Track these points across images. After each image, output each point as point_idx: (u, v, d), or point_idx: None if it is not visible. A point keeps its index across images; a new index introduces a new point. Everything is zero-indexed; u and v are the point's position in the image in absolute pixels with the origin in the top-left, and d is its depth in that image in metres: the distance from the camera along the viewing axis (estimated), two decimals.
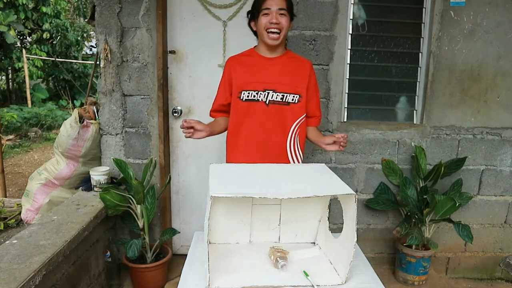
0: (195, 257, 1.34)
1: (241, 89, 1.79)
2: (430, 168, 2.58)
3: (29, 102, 9.43)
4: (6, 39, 8.58)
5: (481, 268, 2.85)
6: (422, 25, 2.61)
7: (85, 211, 2.07)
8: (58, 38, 10.46)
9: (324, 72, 2.53)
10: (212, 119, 1.93)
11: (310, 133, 1.92)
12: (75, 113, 2.44)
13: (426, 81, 2.60)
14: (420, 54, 2.64)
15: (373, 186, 2.69)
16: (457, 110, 2.63)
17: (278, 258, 1.25)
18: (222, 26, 2.55)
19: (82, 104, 6.94)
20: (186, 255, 1.38)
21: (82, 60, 11.59)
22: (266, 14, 1.72)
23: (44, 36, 9.63)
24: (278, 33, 1.73)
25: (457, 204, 2.27)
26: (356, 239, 1.14)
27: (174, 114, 2.63)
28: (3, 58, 9.49)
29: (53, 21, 9.96)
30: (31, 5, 9.22)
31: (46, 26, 9.68)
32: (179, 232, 2.54)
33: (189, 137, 1.67)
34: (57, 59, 10.28)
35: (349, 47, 2.59)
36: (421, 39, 2.62)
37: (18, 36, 9.74)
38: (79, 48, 11.41)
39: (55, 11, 10.02)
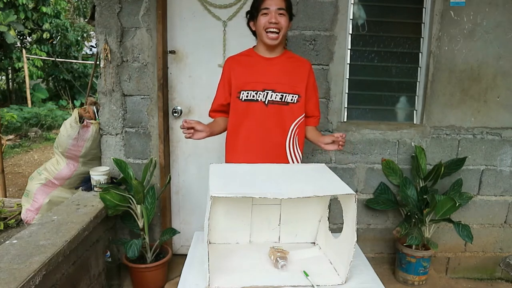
0: (195, 257, 1.34)
1: (240, 89, 1.79)
2: (430, 168, 2.58)
3: (29, 102, 9.43)
4: (6, 39, 8.58)
5: (481, 268, 2.85)
6: (422, 25, 2.61)
7: (85, 211, 2.07)
8: (58, 38, 10.46)
9: (324, 72, 2.53)
10: (211, 120, 1.93)
11: (309, 132, 1.93)
12: (75, 113, 2.44)
13: (426, 81, 2.60)
14: (420, 54, 2.64)
15: (373, 186, 2.69)
16: (457, 110, 2.63)
17: (278, 258, 1.25)
18: (222, 26, 2.55)
19: (82, 104, 6.94)
20: (186, 255, 1.38)
21: (82, 60, 11.59)
22: (265, 14, 1.72)
23: (44, 36, 9.63)
24: (277, 33, 1.73)
25: (457, 204, 2.27)
26: (356, 239, 1.14)
27: (174, 114, 2.63)
28: (3, 58, 9.49)
29: (53, 21, 9.96)
30: (31, 5, 9.22)
31: (46, 26, 9.68)
32: (179, 232, 2.54)
33: (189, 137, 1.67)
34: (57, 59, 10.28)
35: (349, 47, 2.59)
36: (421, 39, 2.62)
37: (18, 36, 9.74)
38: (79, 48, 11.41)
39: (55, 11, 10.02)
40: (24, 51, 9.49)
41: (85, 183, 2.47)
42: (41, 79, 11.00)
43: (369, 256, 2.49)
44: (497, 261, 2.83)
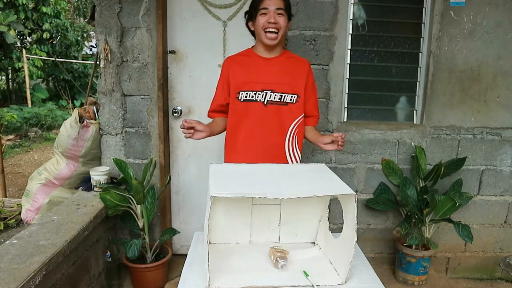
0: (195, 257, 1.34)
1: (239, 89, 1.78)
2: (430, 168, 2.58)
3: (29, 102, 9.43)
4: (6, 39, 8.58)
5: (481, 268, 2.85)
6: (422, 25, 2.61)
7: (85, 211, 2.07)
8: (58, 38, 10.46)
9: (324, 72, 2.53)
10: (211, 120, 1.92)
11: (308, 132, 1.92)
12: (75, 113, 2.44)
13: (426, 81, 2.60)
14: (420, 54, 2.64)
15: (373, 186, 2.69)
16: (457, 110, 2.63)
17: (278, 258, 1.25)
18: (222, 26, 2.55)
19: (82, 104, 6.94)
20: (186, 255, 1.38)
21: (82, 60, 11.59)
22: (264, 13, 1.71)
23: (44, 36, 9.63)
24: (276, 33, 1.72)
25: (457, 204, 2.27)
26: (356, 239, 1.14)
27: (174, 114, 2.63)
28: (3, 58, 9.49)
29: (53, 21, 9.96)
30: (31, 5, 9.22)
31: (46, 26, 9.68)
32: (179, 232, 2.54)
33: (189, 137, 1.67)
34: (57, 59, 10.28)
35: (349, 47, 2.59)
36: (421, 39, 2.62)
37: (18, 36, 9.74)
38: (79, 48, 11.41)
39: (55, 11, 10.02)
40: (24, 51, 9.49)
41: (85, 183, 2.47)
42: (41, 79, 11.00)
43: (369, 256, 2.49)
44: (497, 261, 2.83)
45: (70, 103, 10.14)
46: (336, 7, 2.47)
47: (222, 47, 2.56)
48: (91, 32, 11.45)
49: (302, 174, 1.37)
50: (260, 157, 1.75)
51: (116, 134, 2.55)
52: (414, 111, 2.72)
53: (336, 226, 2.65)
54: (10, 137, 7.05)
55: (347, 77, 2.62)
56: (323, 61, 2.52)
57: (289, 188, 1.17)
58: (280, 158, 1.83)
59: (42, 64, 10.16)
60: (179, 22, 2.54)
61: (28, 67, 9.48)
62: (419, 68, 2.65)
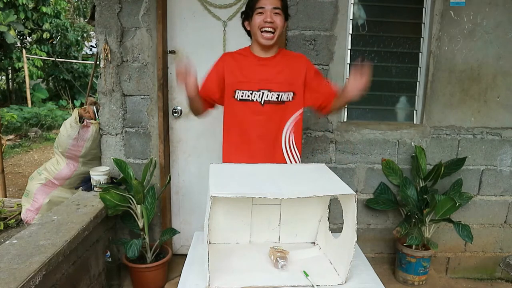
0: (195, 257, 1.33)
1: (235, 88, 1.77)
2: (430, 168, 2.58)
3: (29, 102, 9.43)
4: (6, 39, 8.58)
5: (481, 268, 2.85)
6: (422, 25, 2.61)
7: (85, 211, 2.07)
8: (58, 38, 10.45)
9: (324, 72, 2.53)
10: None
11: (335, 101, 1.82)
12: (75, 113, 2.44)
13: (426, 81, 2.60)
14: (420, 54, 2.64)
15: (373, 186, 2.69)
16: (457, 110, 2.63)
17: (278, 258, 1.25)
18: (222, 26, 2.55)
19: (82, 104, 6.95)
20: (186, 255, 1.38)
21: (82, 60, 11.58)
22: (260, 13, 1.70)
23: (44, 36, 9.63)
24: (273, 33, 1.70)
25: (457, 204, 2.28)
26: (356, 239, 1.14)
27: (174, 114, 2.63)
28: (3, 58, 9.49)
29: (53, 21, 9.96)
30: (31, 5, 9.22)
31: (46, 26, 9.68)
32: (179, 232, 2.54)
33: (181, 80, 1.60)
34: (57, 59, 10.28)
35: (349, 47, 2.59)
36: (421, 39, 2.62)
37: (18, 36, 9.74)
38: (79, 48, 11.41)
39: (55, 11, 10.02)
40: (24, 51, 9.49)
41: (85, 183, 2.47)
42: (41, 79, 10.99)
43: (369, 256, 2.49)
44: (497, 261, 2.83)
45: (70, 103, 10.13)
46: (336, 7, 2.47)
47: (222, 47, 2.56)
48: (91, 32, 11.44)
49: (302, 174, 1.37)
50: (257, 156, 1.75)
51: (116, 134, 2.55)
52: (414, 111, 2.72)
53: (336, 226, 2.65)
54: (10, 137, 7.05)
55: (347, 77, 2.62)
56: (323, 61, 2.52)
57: (289, 188, 1.17)
58: (277, 155, 1.83)
59: (42, 64, 10.16)
60: (179, 22, 2.54)
61: (28, 67, 9.48)
62: (419, 68, 2.65)
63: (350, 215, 1.17)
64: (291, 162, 1.85)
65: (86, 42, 12.18)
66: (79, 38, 11.06)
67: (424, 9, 2.58)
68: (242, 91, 1.77)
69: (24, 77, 9.44)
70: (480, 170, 2.71)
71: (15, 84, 10.76)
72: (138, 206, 2.29)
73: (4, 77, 10.98)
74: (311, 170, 1.42)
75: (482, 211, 2.76)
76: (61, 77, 10.88)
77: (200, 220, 2.74)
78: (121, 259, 2.41)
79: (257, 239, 1.45)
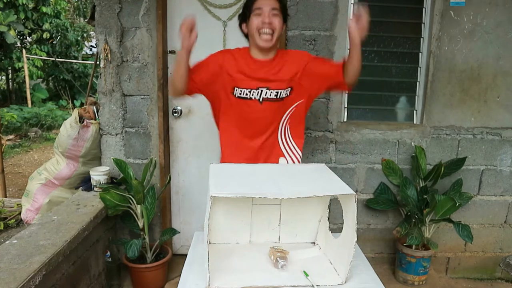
0: (195, 257, 1.33)
1: (234, 85, 1.75)
2: (430, 168, 2.58)
3: (29, 102, 9.43)
4: (6, 39, 8.58)
5: (481, 268, 2.84)
6: (422, 25, 2.61)
7: (85, 211, 2.07)
8: (58, 38, 10.45)
9: None
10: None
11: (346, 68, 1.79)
12: (75, 113, 2.44)
13: (426, 81, 2.60)
14: (420, 54, 2.64)
15: (373, 186, 2.69)
16: (457, 110, 2.63)
17: (278, 258, 1.25)
18: (222, 26, 2.55)
19: (82, 104, 6.95)
20: (186, 255, 1.38)
21: (82, 60, 11.58)
22: (258, 14, 1.66)
23: (44, 36, 9.63)
24: (271, 34, 1.67)
25: (457, 204, 2.28)
26: (356, 239, 1.14)
27: (174, 114, 2.63)
28: (3, 58, 9.49)
29: (53, 21, 9.96)
30: (31, 5, 9.22)
31: (46, 26, 9.68)
32: (179, 232, 2.54)
33: (185, 30, 1.61)
34: (57, 59, 10.28)
35: (349, 47, 2.58)
36: (421, 39, 2.62)
37: (18, 36, 9.74)
38: (79, 48, 11.41)
39: (55, 11, 10.02)
40: (24, 51, 9.49)
41: (85, 183, 2.47)
42: (41, 79, 10.99)
43: (369, 256, 2.49)
44: (497, 261, 2.83)
45: (70, 103, 10.13)
46: (336, 7, 2.46)
47: (222, 47, 2.56)
48: (91, 32, 11.44)
49: (302, 174, 1.38)
50: (255, 153, 1.75)
51: (116, 134, 2.55)
52: (414, 111, 2.72)
53: (336, 226, 2.65)
54: (10, 137, 7.05)
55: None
56: None
57: (289, 188, 1.17)
58: (275, 151, 1.83)
59: (42, 64, 10.16)
60: (179, 22, 2.50)
61: (28, 67, 9.47)
62: (419, 68, 2.65)
63: (350, 215, 1.17)
64: (288, 155, 1.84)
65: (86, 42, 12.18)
66: (79, 38, 11.07)
67: (424, 9, 2.58)
68: (240, 89, 1.75)
69: (24, 77, 9.44)
70: (480, 170, 2.71)
71: (15, 84, 10.76)
72: (138, 206, 2.29)
73: (4, 77, 10.98)
74: (311, 170, 1.42)
75: (482, 211, 2.76)
76: (61, 77, 10.88)
77: (200, 220, 2.74)
78: (121, 259, 2.41)
79: (257, 239, 1.45)
